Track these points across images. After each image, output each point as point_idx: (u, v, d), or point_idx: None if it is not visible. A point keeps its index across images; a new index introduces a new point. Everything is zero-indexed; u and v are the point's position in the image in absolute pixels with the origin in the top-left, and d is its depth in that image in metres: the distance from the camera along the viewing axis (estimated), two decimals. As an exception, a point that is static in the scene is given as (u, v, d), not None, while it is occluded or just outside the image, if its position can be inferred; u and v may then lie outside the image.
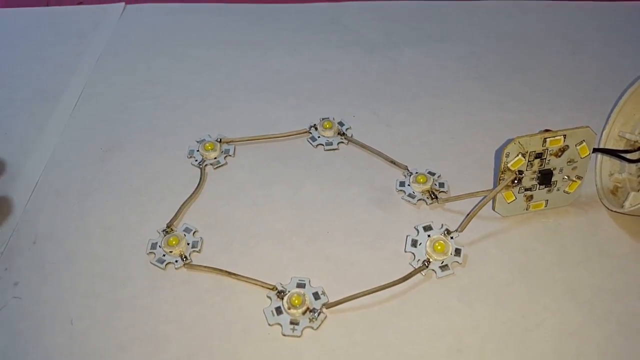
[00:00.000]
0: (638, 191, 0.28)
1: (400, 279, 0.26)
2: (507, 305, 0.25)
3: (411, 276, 0.26)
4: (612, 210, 0.28)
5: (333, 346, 0.24)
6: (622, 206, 0.27)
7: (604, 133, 0.30)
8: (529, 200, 0.28)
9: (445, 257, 0.26)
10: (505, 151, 0.25)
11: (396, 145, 0.32)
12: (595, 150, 0.27)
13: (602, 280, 0.26)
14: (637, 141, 0.29)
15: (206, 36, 0.41)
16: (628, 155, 0.28)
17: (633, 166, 0.29)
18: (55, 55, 0.40)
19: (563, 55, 0.38)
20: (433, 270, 0.26)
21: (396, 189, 0.30)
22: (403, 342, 0.24)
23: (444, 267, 0.26)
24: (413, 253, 0.27)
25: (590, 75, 0.36)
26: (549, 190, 0.28)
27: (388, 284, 0.25)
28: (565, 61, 0.37)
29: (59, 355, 0.24)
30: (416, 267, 0.26)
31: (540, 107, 0.34)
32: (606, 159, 0.30)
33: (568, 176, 0.27)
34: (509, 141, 0.25)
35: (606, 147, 0.29)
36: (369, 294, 0.25)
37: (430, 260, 0.26)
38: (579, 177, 0.27)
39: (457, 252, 0.27)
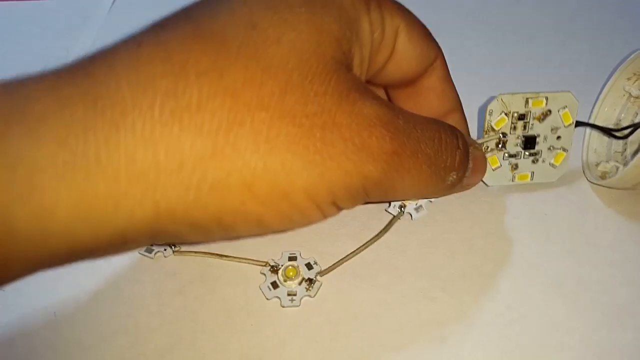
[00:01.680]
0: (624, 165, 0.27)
1: (381, 231, 0.26)
2: (490, 296, 0.25)
3: (391, 225, 0.26)
4: (593, 183, 0.28)
5: (332, 315, 0.24)
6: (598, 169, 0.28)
7: (591, 116, 0.30)
8: (515, 170, 0.28)
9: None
10: (489, 108, 0.26)
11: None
12: (578, 124, 0.27)
13: (588, 271, 0.25)
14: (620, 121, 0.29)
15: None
16: (617, 133, 0.28)
17: (619, 155, 0.29)
18: (43, 49, 0.40)
19: (553, 46, 0.38)
20: (409, 213, 0.27)
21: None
22: (397, 303, 0.24)
23: (418, 209, 0.27)
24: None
25: (580, 66, 0.36)
26: (535, 161, 0.27)
27: (373, 238, 0.26)
28: (555, 52, 0.37)
29: (42, 347, 0.24)
30: (395, 215, 0.26)
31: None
32: (592, 150, 0.30)
33: (552, 146, 0.27)
34: (491, 99, 0.25)
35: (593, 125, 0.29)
36: (358, 252, 0.26)
37: (405, 204, 0.27)
38: (564, 149, 0.27)
39: None
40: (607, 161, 0.29)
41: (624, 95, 0.29)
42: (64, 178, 0.15)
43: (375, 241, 0.26)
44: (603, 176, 0.28)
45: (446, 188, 0.23)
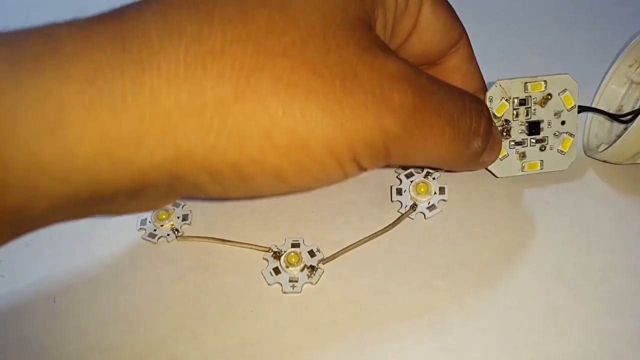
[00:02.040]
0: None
1: (389, 225, 0.26)
2: (490, 283, 0.25)
3: (400, 221, 0.26)
4: (591, 157, 0.28)
5: (332, 301, 0.24)
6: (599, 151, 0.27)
7: (593, 103, 0.29)
8: (523, 158, 0.27)
9: (430, 197, 0.26)
10: (488, 95, 0.25)
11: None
12: (581, 109, 0.27)
13: (589, 259, 0.25)
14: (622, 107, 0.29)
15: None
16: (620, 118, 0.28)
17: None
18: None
19: (553, 36, 0.37)
20: (421, 212, 0.26)
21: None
22: (398, 291, 0.24)
23: (431, 208, 0.26)
24: (400, 201, 0.27)
25: (581, 53, 0.36)
26: (542, 148, 0.27)
27: (379, 231, 0.26)
28: (555, 39, 0.37)
29: (42, 332, 0.24)
30: (404, 212, 0.26)
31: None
32: (592, 137, 0.29)
33: (558, 131, 0.27)
34: (490, 85, 0.25)
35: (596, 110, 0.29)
36: (362, 243, 0.25)
37: (417, 203, 0.26)
38: (570, 134, 0.27)
39: (441, 190, 0.26)
40: (607, 143, 0.28)
41: (625, 82, 0.29)
42: (91, 115, 0.15)
43: (381, 234, 0.26)
44: (602, 149, 0.28)
45: (470, 156, 0.22)
